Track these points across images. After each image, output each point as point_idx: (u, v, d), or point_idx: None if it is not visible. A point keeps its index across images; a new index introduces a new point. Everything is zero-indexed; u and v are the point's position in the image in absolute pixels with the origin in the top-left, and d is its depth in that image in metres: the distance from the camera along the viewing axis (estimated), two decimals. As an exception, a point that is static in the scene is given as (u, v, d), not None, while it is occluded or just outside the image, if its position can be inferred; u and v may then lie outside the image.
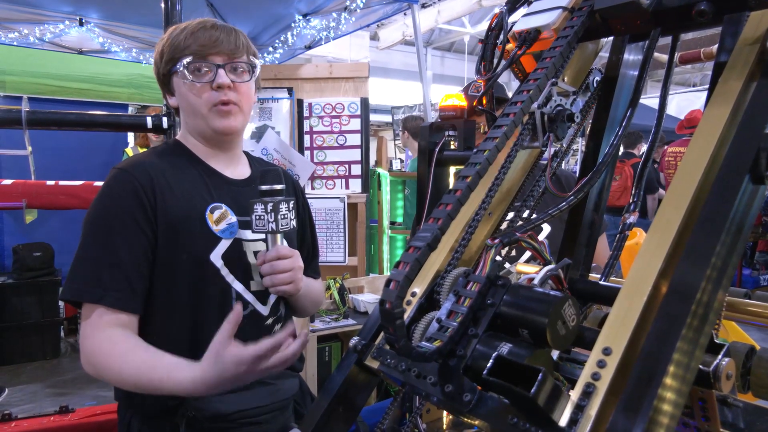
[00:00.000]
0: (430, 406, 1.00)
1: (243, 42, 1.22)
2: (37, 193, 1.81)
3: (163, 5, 2.10)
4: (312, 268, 1.45)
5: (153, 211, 1.13)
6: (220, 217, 1.20)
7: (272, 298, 1.28)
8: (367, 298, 3.03)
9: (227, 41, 1.18)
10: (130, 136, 5.77)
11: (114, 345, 1.06)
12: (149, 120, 1.99)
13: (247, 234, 1.24)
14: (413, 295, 0.76)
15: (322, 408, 0.76)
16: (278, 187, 1.20)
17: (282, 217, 1.15)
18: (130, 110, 5.39)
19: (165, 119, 2.01)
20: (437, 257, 0.79)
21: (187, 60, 1.16)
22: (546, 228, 1.74)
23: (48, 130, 2.16)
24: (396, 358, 0.71)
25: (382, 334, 0.75)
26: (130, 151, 4.83)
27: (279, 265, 1.18)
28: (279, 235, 1.19)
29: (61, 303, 4.83)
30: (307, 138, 3.53)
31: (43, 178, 2.13)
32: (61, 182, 1.88)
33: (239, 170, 1.32)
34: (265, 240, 1.22)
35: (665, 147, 6.10)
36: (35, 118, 1.87)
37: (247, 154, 1.41)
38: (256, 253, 1.24)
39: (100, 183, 1.96)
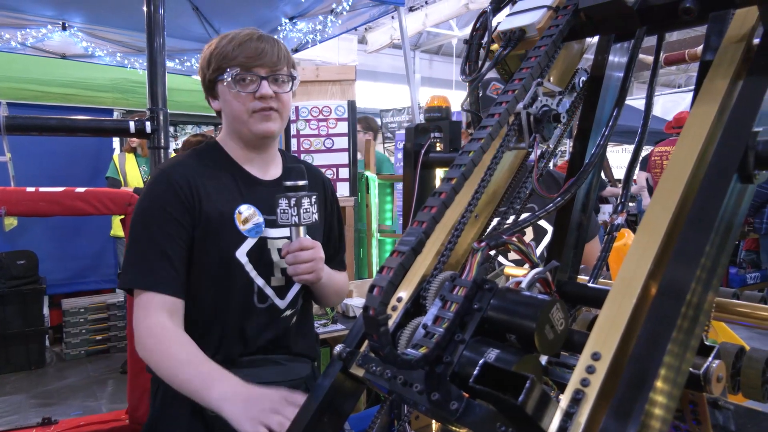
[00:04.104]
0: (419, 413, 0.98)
1: (285, 54, 1.32)
2: (16, 199, 1.77)
3: (145, 8, 2.07)
4: (338, 261, 1.56)
5: (191, 206, 1.25)
6: (247, 218, 1.31)
7: (291, 293, 1.37)
8: (356, 303, 3.01)
9: (271, 53, 1.28)
10: (116, 142, 5.70)
11: (165, 330, 1.19)
12: (132, 124, 1.96)
13: (272, 232, 1.34)
14: (399, 300, 0.74)
15: (308, 416, 0.75)
16: (301, 183, 1.27)
17: (304, 210, 1.24)
18: (116, 115, 5.32)
19: (148, 123, 1.97)
20: (423, 261, 0.77)
21: (234, 72, 1.26)
22: (548, 234, 1.70)
23: (33, 137, 2.11)
24: (382, 366, 0.69)
25: (367, 341, 0.73)
26: (116, 158, 4.76)
27: (301, 256, 1.27)
28: (302, 228, 1.27)
29: (46, 312, 4.77)
30: (294, 141, 3.51)
31: (29, 185, 2.08)
32: (42, 189, 1.84)
33: (272, 171, 1.42)
34: (289, 233, 1.30)
35: (652, 147, 6.11)
36: (14, 123, 1.83)
37: (282, 152, 1.49)
38: (279, 250, 1.34)
39: (82, 189, 1.92)
